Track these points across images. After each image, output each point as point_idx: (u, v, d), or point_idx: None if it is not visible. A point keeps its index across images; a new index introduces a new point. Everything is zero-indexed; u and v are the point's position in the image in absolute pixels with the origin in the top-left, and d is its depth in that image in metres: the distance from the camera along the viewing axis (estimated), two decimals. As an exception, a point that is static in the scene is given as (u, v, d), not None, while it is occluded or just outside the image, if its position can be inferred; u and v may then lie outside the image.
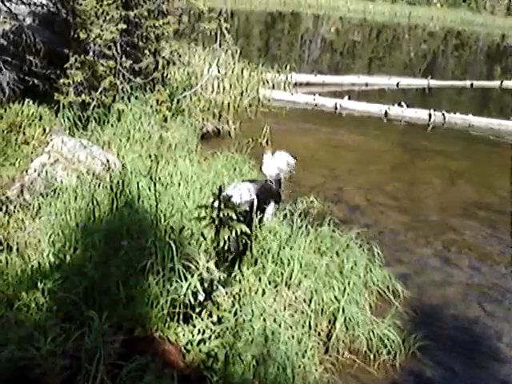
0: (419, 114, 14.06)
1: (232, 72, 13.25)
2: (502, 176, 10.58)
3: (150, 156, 6.90)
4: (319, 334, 4.92)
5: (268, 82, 14.47)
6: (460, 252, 7.14)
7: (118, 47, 9.20)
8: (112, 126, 8.49)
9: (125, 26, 8.92)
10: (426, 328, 5.34)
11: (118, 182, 5.78)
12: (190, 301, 3.97)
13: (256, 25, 34.48)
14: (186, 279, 4.08)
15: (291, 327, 4.50)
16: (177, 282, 4.09)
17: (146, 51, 9.97)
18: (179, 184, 6.34)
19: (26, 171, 6.44)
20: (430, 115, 13.86)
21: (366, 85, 17.73)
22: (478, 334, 5.47)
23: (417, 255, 6.90)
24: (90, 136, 8.01)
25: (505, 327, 5.58)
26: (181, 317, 4.05)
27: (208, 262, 4.10)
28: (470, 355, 5.13)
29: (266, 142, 10.14)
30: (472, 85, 19.07)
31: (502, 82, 19.83)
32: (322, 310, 5.02)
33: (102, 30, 8.56)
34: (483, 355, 5.15)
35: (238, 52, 13.71)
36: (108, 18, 8.69)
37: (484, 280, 6.49)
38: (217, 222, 4.04)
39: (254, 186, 5.67)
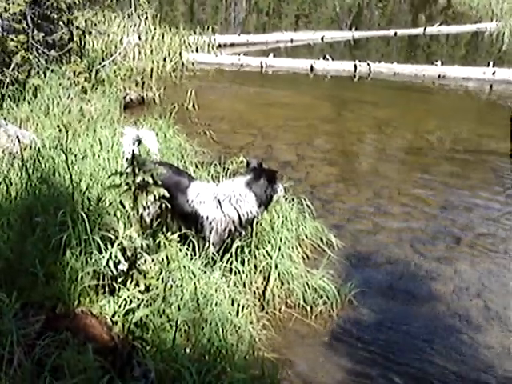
0: (344, 66, 14.03)
1: (153, 38, 12.94)
2: (429, 121, 10.74)
3: (61, 129, 6.61)
4: (254, 293, 4.88)
5: (191, 46, 14.25)
6: (391, 198, 7.18)
7: (29, 20, 8.89)
8: (29, 102, 8.15)
9: (33, -3, 8.56)
10: (361, 275, 5.39)
11: (33, 159, 5.53)
12: (112, 272, 3.83)
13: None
14: (106, 250, 3.93)
15: (223, 289, 4.42)
16: (96, 254, 3.94)
17: (59, 22, 9.63)
18: (94, 154, 6.15)
19: None
20: (355, 66, 13.85)
21: (291, 41, 17.63)
22: (413, 275, 5.52)
23: (348, 205, 6.91)
24: (7, 115, 7.67)
25: (438, 267, 5.64)
26: (106, 289, 3.91)
27: (129, 230, 3.94)
28: (406, 297, 5.17)
29: (193, 105, 9.99)
30: (396, 33, 19.24)
31: (425, 28, 20.10)
32: (256, 267, 4.96)
33: (8, 3, 8.22)
34: (418, 296, 5.19)
35: (159, 17, 13.46)
36: (13, -11, 8.31)
37: (416, 223, 6.55)
38: (133, 187, 3.88)
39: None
